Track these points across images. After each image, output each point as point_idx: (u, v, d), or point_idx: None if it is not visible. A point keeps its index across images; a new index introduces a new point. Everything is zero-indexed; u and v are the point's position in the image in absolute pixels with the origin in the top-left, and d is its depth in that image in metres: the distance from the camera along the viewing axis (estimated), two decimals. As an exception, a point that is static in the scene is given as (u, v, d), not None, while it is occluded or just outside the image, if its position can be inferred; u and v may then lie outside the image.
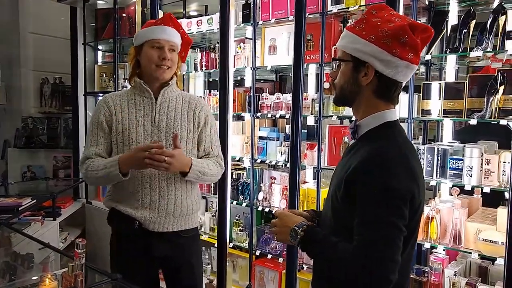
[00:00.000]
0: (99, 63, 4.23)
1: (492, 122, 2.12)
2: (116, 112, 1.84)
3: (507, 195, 2.07)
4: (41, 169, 4.57)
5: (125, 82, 3.71)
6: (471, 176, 2.11)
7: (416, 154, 1.30)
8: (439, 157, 2.24)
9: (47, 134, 4.62)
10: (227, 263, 3.02)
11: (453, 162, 2.18)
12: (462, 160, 2.16)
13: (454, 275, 2.16)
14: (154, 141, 1.80)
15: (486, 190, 2.08)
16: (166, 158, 1.68)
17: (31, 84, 4.71)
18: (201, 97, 3.35)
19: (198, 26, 3.28)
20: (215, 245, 3.01)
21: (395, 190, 1.14)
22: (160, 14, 3.37)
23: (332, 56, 2.61)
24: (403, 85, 1.30)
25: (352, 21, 2.62)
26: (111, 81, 3.88)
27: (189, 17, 3.94)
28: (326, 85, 2.62)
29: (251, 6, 2.94)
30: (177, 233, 1.89)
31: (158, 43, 1.82)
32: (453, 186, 2.22)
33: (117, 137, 1.84)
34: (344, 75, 1.30)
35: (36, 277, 2.19)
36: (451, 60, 2.52)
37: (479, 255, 2.08)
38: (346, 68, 1.29)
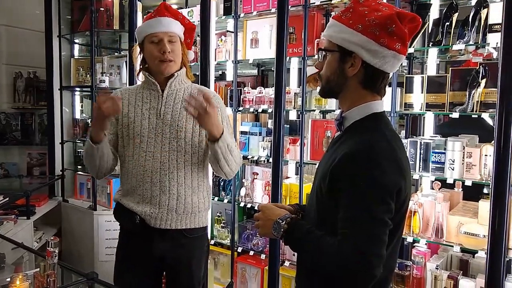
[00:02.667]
0: (76, 57, 4.10)
1: (473, 116, 2.13)
2: (124, 106, 1.81)
3: (486, 189, 2.09)
4: (14, 166, 4.40)
5: (102, 76, 3.59)
6: (453, 170, 2.12)
7: (403, 147, 1.28)
8: (422, 151, 2.23)
9: (21, 130, 4.46)
10: (209, 260, 2.98)
11: (435, 156, 2.18)
12: (444, 153, 2.16)
13: (436, 268, 2.17)
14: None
15: (468, 183, 2.09)
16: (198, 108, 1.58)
17: (3, 78, 4.53)
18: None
19: (178, 18, 3.20)
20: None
21: (382, 183, 1.12)
22: (139, 6, 3.28)
23: (316, 50, 2.58)
24: (390, 76, 1.27)
25: (335, 13, 2.59)
26: (88, 75, 3.75)
27: (169, 10, 3.85)
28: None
29: (233, -2, 2.88)
30: (180, 232, 1.81)
31: (156, 37, 1.75)
32: (435, 179, 2.23)
33: (123, 130, 1.81)
34: (330, 66, 1.26)
35: (8, 279, 2.10)
36: (433, 54, 2.52)
37: (460, 248, 2.08)
38: (332, 58, 1.25)
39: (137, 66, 1.89)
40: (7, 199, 2.95)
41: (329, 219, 1.20)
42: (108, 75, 3.62)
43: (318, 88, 1.32)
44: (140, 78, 2.04)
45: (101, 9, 3.68)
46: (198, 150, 1.81)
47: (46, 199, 3.81)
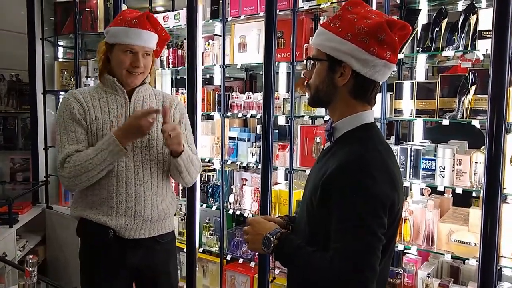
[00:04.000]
0: (60, 60, 4.00)
1: (463, 122, 2.12)
2: (90, 110, 1.70)
3: (475, 194, 2.08)
4: (-4, 172, 4.30)
5: (87, 80, 3.51)
6: (443, 177, 2.10)
7: (395, 159, 1.25)
8: (412, 158, 2.21)
9: (3, 135, 4.34)
10: (197, 268, 2.92)
11: (425, 163, 2.16)
12: (434, 160, 2.14)
13: (427, 276, 2.15)
14: (151, 108, 1.71)
15: (459, 190, 2.07)
16: (171, 133, 1.61)
17: (-15, 81, 4.42)
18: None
19: (164, 21, 3.14)
20: (184, 250, 2.90)
21: (375, 197, 1.09)
22: (124, 8, 3.21)
23: (304, 55, 2.55)
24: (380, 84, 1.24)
25: (324, 18, 2.56)
26: (72, 79, 3.67)
27: (155, 12, 3.78)
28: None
29: (220, 1, 2.83)
30: (153, 239, 1.79)
31: (132, 49, 1.68)
32: (426, 186, 2.21)
33: (91, 137, 1.69)
34: (319, 75, 1.23)
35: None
36: (422, 60, 2.51)
37: (451, 256, 2.06)
38: (321, 67, 1.22)
39: (100, 65, 1.76)
40: (-12, 208, 2.86)
41: (320, 232, 1.17)
42: (93, 78, 3.54)
43: (307, 94, 1.29)
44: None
45: (86, 9, 3.59)
46: (168, 158, 1.79)
47: (29, 206, 3.71)
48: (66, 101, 1.72)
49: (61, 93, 3.86)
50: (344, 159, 1.14)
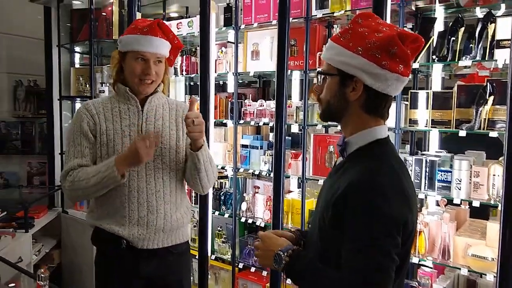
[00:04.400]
0: (76, 66, 4.06)
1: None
2: (101, 121, 1.71)
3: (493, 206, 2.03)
4: (14, 175, 4.38)
5: (102, 86, 3.55)
6: (460, 189, 2.05)
7: (409, 175, 1.22)
8: (427, 169, 2.17)
9: (21, 139, 4.42)
10: (209, 276, 2.92)
11: (441, 174, 2.12)
12: (450, 172, 2.10)
13: (443, 290, 2.10)
14: (150, 132, 1.69)
15: (476, 204, 2.02)
16: (194, 120, 1.61)
17: (4, 87, 4.51)
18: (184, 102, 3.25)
19: (178, 29, 3.15)
20: (196, 257, 2.90)
21: (387, 217, 1.06)
22: (138, 15, 3.24)
23: (318, 63, 2.52)
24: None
25: (337, 26, 2.53)
26: (87, 85, 3.71)
27: (169, 18, 3.80)
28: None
29: (233, 9, 2.83)
30: (167, 249, 1.78)
31: (143, 56, 1.68)
32: (441, 198, 2.16)
33: (102, 148, 1.70)
34: (330, 90, 1.20)
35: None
36: (438, 68, 2.46)
37: (468, 270, 2.01)
38: (332, 82, 1.20)
39: (113, 74, 1.78)
40: (5, 213, 2.91)
41: (332, 249, 1.15)
42: (107, 84, 3.57)
43: (319, 108, 1.27)
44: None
45: (102, 15, 3.63)
46: (181, 167, 1.78)
47: (45, 210, 3.77)
48: (78, 113, 1.75)
49: (77, 99, 3.91)
50: (356, 178, 1.12)
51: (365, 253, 1.05)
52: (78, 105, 3.99)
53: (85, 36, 3.67)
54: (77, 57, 4.15)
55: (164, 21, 1.80)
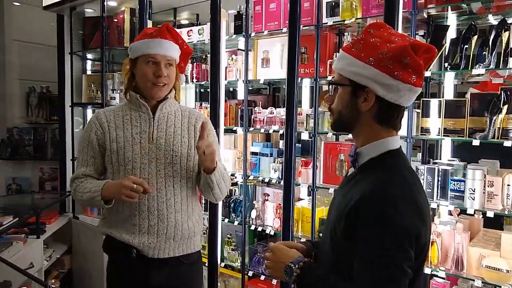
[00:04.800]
0: (88, 73, 4.10)
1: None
2: (110, 130, 1.72)
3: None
4: (27, 181, 4.43)
5: (113, 93, 3.58)
6: (473, 199, 2.02)
7: (422, 187, 1.20)
8: (440, 178, 2.14)
9: (33, 145, 4.48)
10: (219, 283, 2.91)
11: (454, 184, 2.09)
12: (463, 181, 2.06)
13: (456, 302, 2.06)
14: (151, 185, 1.68)
15: (490, 214, 1.99)
16: (205, 150, 1.61)
17: (17, 93, 4.58)
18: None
19: (188, 36, 3.17)
20: (206, 264, 2.90)
21: (400, 229, 1.05)
22: (149, 23, 3.26)
23: (328, 70, 2.51)
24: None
25: (348, 34, 2.52)
26: (98, 92, 3.75)
27: (180, 26, 3.82)
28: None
29: (243, 17, 2.83)
30: (178, 259, 1.76)
31: (154, 59, 1.68)
32: (454, 208, 2.13)
33: (112, 156, 1.71)
34: (342, 100, 1.19)
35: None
36: (450, 76, 2.43)
37: (482, 282, 1.98)
38: (344, 92, 1.19)
39: (125, 82, 1.79)
40: (17, 219, 2.93)
41: (344, 261, 1.13)
42: (118, 91, 3.60)
43: (330, 118, 1.26)
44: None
45: (114, 21, 3.67)
46: (192, 175, 1.78)
47: (57, 215, 3.80)
48: (89, 122, 1.78)
49: (88, 106, 3.94)
50: (368, 189, 1.10)
51: (377, 265, 1.04)
52: (89, 111, 4.04)
53: (97, 43, 3.71)
54: (89, 64, 4.20)
55: (172, 26, 1.81)
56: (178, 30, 3.25)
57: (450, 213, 2.37)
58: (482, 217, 2.26)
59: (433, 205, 2.18)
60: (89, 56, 4.13)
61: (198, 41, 3.12)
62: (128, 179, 1.59)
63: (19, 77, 4.56)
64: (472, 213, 2.06)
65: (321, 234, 2.51)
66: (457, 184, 2.08)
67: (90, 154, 1.74)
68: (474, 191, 2.02)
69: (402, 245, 1.05)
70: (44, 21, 4.32)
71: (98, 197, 1.63)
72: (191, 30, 3.18)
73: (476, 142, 2.01)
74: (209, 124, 1.87)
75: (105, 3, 3.52)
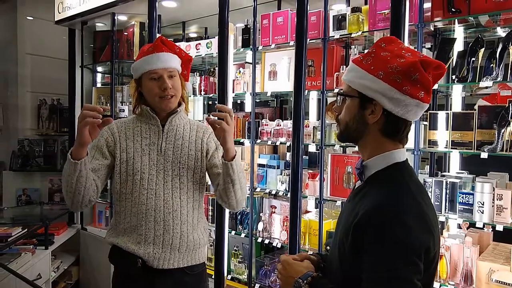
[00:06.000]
0: (98, 85, 4.17)
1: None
2: (121, 140, 1.75)
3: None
4: (36, 192, 4.47)
5: (122, 105, 3.63)
6: (482, 213, 2.00)
7: (429, 200, 1.19)
8: (448, 191, 2.12)
9: (43, 156, 4.54)
10: (225, 296, 2.90)
11: (463, 197, 2.07)
12: (472, 194, 2.04)
13: (466, 318, 2.03)
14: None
15: (499, 228, 1.96)
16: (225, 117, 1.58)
17: (28, 105, 4.66)
18: (200, 121, 3.28)
19: (197, 50, 3.21)
20: (212, 276, 2.88)
21: (409, 244, 1.04)
22: (158, 35, 3.31)
23: (335, 83, 2.52)
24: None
25: (355, 47, 2.54)
26: (108, 104, 3.79)
27: (189, 39, 3.88)
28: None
29: (251, 30, 2.87)
30: (182, 270, 1.76)
31: (156, 74, 1.71)
32: (463, 221, 2.10)
33: (121, 166, 1.72)
34: (349, 111, 1.20)
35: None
36: (457, 89, 2.42)
37: (492, 297, 1.94)
38: (351, 103, 1.19)
39: (133, 101, 1.81)
40: (25, 230, 2.96)
41: (353, 276, 1.12)
42: (127, 104, 3.65)
43: (337, 129, 1.26)
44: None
45: (125, 34, 3.73)
46: (199, 187, 1.79)
47: (65, 227, 3.83)
48: (102, 130, 1.78)
49: (97, 118, 3.98)
50: (374, 204, 1.10)
51: (387, 282, 1.02)
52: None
53: (107, 56, 3.77)
54: (99, 76, 4.27)
55: (165, 38, 1.83)
56: (186, 44, 3.33)
57: (459, 227, 2.34)
58: (491, 230, 2.23)
59: (441, 218, 2.15)
60: (99, 69, 4.20)
61: (206, 54, 3.16)
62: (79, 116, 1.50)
63: (31, 90, 4.65)
64: (482, 226, 2.04)
65: (328, 247, 2.50)
66: (465, 197, 2.06)
67: (97, 156, 1.73)
68: (483, 204, 1.99)
69: (411, 260, 1.03)
70: (56, 35, 4.42)
71: (69, 157, 1.54)
72: (199, 43, 3.23)
73: (484, 155, 1.99)
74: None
75: (115, 18, 3.59)
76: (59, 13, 3.92)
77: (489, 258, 2.05)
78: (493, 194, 1.99)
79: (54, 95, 4.68)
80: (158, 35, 3.27)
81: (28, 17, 4.63)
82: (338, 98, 1.25)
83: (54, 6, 3.95)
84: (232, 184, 1.68)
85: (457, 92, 2.49)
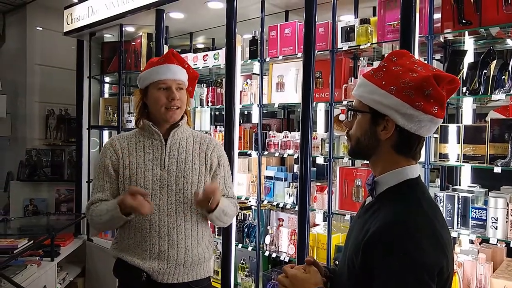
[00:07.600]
0: (105, 96, 4.18)
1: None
2: (124, 156, 1.74)
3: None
4: (43, 202, 4.47)
5: (129, 116, 3.62)
6: (496, 229, 1.94)
7: (441, 215, 1.15)
8: (460, 206, 2.07)
9: (51, 166, 4.54)
10: (232, 310, 2.85)
11: (475, 212, 2.02)
12: (485, 210, 2.00)
13: (479, 337, 1.97)
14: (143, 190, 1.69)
15: (514, 244, 1.91)
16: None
17: (36, 115, 4.69)
18: (206, 132, 3.27)
19: (204, 61, 3.21)
20: (219, 290, 2.85)
21: (421, 265, 1.00)
22: (165, 48, 3.31)
23: (343, 95, 2.49)
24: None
25: (363, 59, 2.51)
26: (115, 115, 3.80)
27: (196, 50, 3.88)
28: (342, 117, 2.48)
29: (258, 42, 2.85)
30: (187, 284, 1.75)
31: (165, 84, 1.71)
32: (476, 237, 2.05)
33: (124, 182, 1.72)
34: (360, 127, 1.17)
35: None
36: (468, 101, 2.38)
37: (507, 316, 1.88)
38: (363, 119, 1.16)
39: (136, 112, 1.81)
40: (31, 242, 2.95)
41: None
42: (134, 114, 3.64)
43: (347, 143, 1.23)
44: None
45: (132, 45, 3.74)
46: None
47: (71, 237, 3.81)
48: (104, 148, 1.80)
49: (104, 128, 3.99)
50: (385, 222, 1.06)
51: None
52: (105, 133, 4.09)
53: (115, 67, 3.78)
54: (106, 87, 4.28)
55: (176, 52, 1.84)
56: (194, 55, 3.33)
57: (471, 242, 2.29)
58: (505, 246, 2.17)
59: (453, 234, 2.10)
60: (107, 79, 4.21)
61: (213, 65, 3.16)
62: (127, 193, 1.61)
63: (39, 100, 4.69)
64: (495, 242, 1.99)
65: (337, 262, 2.45)
66: (478, 212, 2.02)
67: (106, 179, 1.75)
68: (496, 220, 1.94)
69: (422, 278, 1.00)
70: (65, 46, 4.45)
71: (118, 213, 1.62)
72: (206, 54, 3.22)
73: (497, 170, 1.95)
74: (219, 149, 1.87)
75: (123, 29, 3.60)
76: (68, 24, 3.95)
77: (503, 276, 2.00)
78: (507, 209, 1.94)
79: (62, 105, 4.71)
80: (165, 46, 3.29)
81: (37, 28, 4.68)
82: (349, 113, 1.22)
83: (63, 17, 3.98)
84: (213, 222, 1.80)
85: (467, 104, 2.45)
